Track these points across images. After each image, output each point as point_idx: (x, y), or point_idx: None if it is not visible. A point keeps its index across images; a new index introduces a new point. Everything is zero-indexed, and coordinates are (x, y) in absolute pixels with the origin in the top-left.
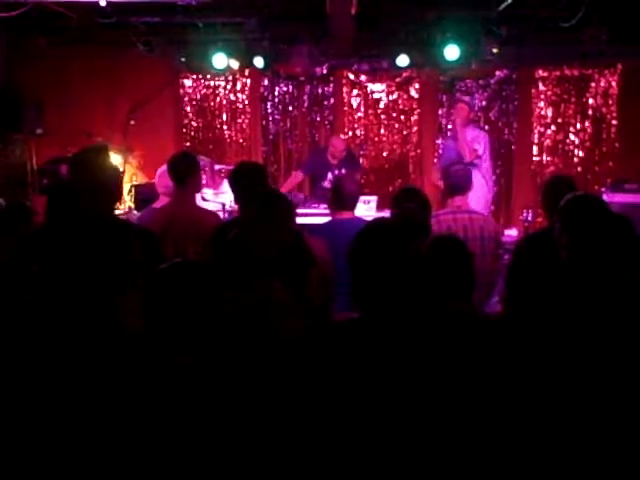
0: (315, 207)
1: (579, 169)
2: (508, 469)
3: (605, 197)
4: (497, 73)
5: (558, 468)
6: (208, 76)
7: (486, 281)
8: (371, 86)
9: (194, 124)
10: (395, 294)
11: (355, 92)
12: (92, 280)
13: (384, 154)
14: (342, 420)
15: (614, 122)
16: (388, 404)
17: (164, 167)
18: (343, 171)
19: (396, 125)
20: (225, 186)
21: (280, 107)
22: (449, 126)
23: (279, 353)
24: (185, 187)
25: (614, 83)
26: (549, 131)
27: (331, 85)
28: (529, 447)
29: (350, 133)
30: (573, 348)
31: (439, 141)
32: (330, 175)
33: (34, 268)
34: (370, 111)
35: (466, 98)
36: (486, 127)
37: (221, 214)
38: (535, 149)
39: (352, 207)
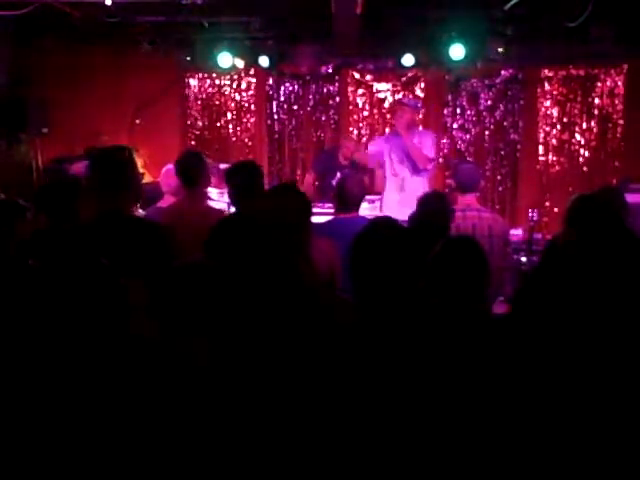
0: (320, 206)
1: (585, 169)
2: (513, 467)
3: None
4: (503, 72)
5: (569, 466)
6: (213, 75)
7: (494, 280)
8: (376, 85)
9: (199, 123)
10: (396, 293)
11: (360, 91)
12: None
13: None
14: (349, 419)
15: (620, 122)
16: (393, 406)
17: (169, 166)
18: None
19: None
20: None
21: (285, 106)
22: (454, 125)
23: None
24: (196, 187)
25: (620, 83)
26: (555, 130)
27: (336, 84)
28: (536, 446)
29: (355, 132)
30: (577, 346)
31: (444, 141)
32: (339, 175)
33: (34, 263)
34: (375, 110)
35: (405, 100)
36: (491, 127)
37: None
38: (541, 148)
39: (356, 209)
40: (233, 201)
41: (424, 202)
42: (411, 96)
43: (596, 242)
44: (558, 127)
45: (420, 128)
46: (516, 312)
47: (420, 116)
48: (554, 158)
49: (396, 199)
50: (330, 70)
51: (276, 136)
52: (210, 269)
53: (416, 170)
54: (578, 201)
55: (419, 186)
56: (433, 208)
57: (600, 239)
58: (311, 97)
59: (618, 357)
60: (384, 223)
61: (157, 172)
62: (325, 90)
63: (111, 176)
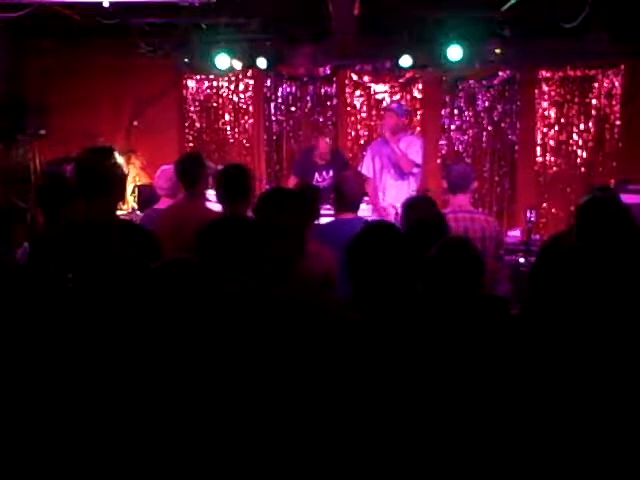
0: None
1: (582, 169)
2: (512, 466)
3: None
4: (500, 74)
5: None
6: (211, 77)
7: (486, 281)
8: (374, 86)
9: (197, 125)
10: (392, 294)
11: (358, 93)
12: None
13: None
14: (349, 419)
15: (617, 122)
16: (392, 406)
17: (163, 168)
18: (330, 172)
19: None
20: None
21: (283, 108)
22: (452, 126)
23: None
24: (196, 188)
25: (617, 83)
26: (552, 131)
27: (334, 86)
28: (538, 442)
29: (353, 133)
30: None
31: (442, 142)
32: (317, 176)
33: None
34: (373, 112)
35: (393, 105)
36: (489, 128)
37: None
38: (538, 150)
39: (354, 209)
40: (222, 204)
41: (414, 206)
42: (408, 97)
43: (606, 241)
44: (556, 128)
45: (418, 129)
46: (523, 312)
47: (418, 118)
48: (552, 159)
49: (380, 202)
50: (328, 71)
51: (274, 137)
52: (197, 267)
53: (400, 175)
54: (588, 201)
55: (401, 191)
56: (426, 212)
57: (610, 238)
58: (309, 98)
59: (624, 356)
60: (379, 226)
61: (155, 174)
62: (323, 91)
63: (89, 179)
